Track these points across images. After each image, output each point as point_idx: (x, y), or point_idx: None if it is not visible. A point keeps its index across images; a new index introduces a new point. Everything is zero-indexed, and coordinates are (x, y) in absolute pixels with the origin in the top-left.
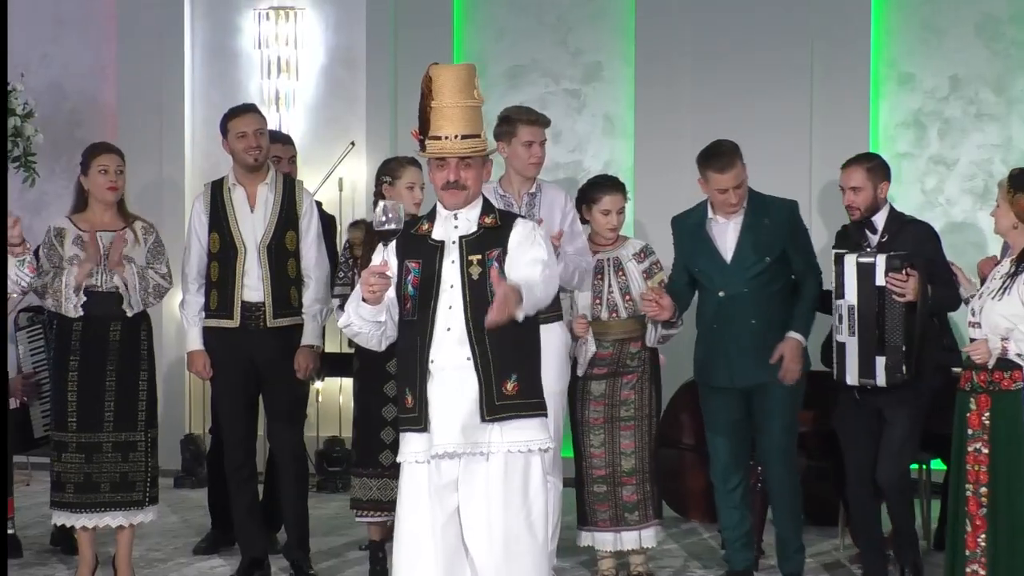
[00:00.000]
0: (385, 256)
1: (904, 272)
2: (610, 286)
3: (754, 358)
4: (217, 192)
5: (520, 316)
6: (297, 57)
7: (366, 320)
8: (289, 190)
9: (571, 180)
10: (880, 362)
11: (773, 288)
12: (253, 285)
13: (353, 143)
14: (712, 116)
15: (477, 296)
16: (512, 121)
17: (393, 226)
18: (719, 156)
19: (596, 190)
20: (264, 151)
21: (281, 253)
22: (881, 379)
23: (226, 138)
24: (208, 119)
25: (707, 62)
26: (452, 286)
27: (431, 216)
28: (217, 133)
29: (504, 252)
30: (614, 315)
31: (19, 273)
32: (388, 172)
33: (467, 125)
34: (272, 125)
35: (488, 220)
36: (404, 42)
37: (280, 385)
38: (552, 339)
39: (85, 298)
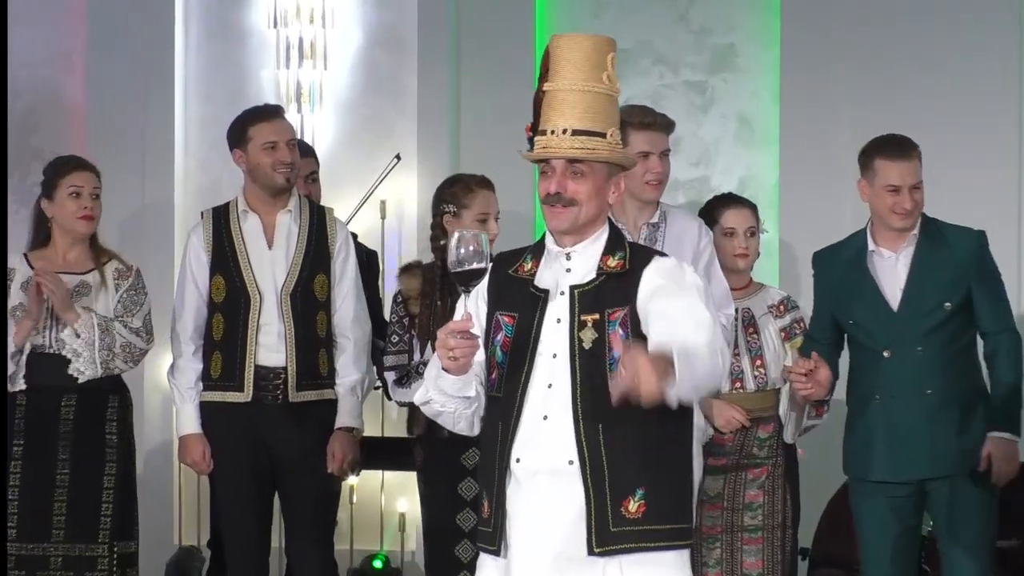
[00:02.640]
0: (467, 308)
1: None
2: (736, 347)
3: (929, 442)
4: (222, 221)
5: (673, 398)
6: (326, 38)
7: (450, 396)
8: (318, 219)
9: (694, 204)
10: None
11: (956, 346)
12: (271, 345)
13: (399, 156)
14: (882, 117)
15: (590, 373)
16: (622, 125)
17: (475, 264)
18: (894, 141)
19: (716, 207)
20: (296, 169)
21: (309, 303)
22: None
23: (243, 149)
24: (206, 121)
25: (876, 43)
26: (555, 356)
27: (537, 251)
28: (219, 140)
29: (633, 310)
30: (738, 386)
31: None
32: (450, 198)
33: (585, 116)
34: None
35: (613, 262)
36: (468, 18)
37: (305, 480)
38: None
39: (24, 369)
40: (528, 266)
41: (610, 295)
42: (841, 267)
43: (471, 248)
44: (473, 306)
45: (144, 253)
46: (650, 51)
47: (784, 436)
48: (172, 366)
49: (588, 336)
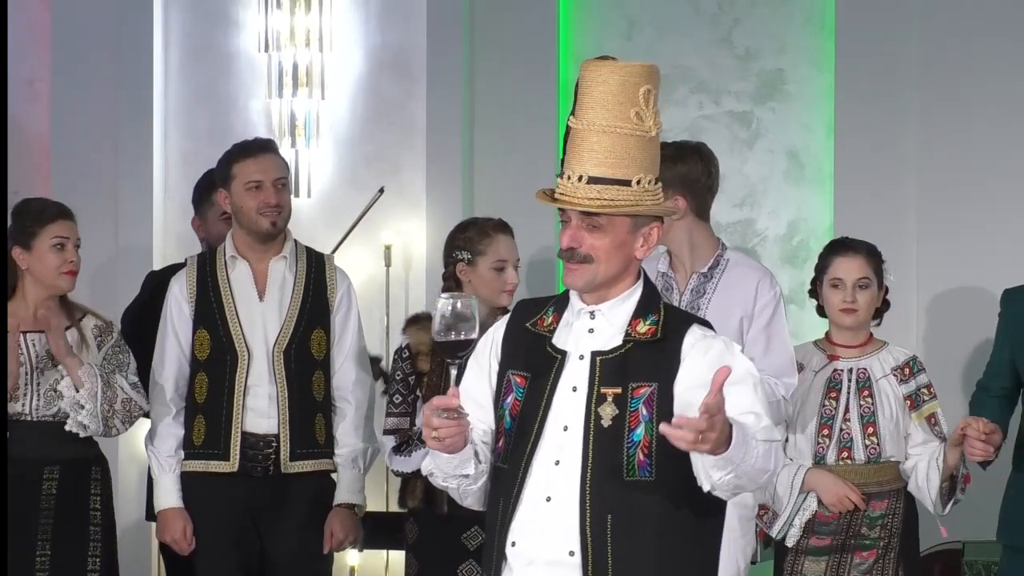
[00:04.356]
0: (454, 382)
1: None
2: (846, 411)
3: None
4: (207, 269)
5: (715, 474)
6: (323, 64)
7: (449, 474)
8: (317, 267)
9: (738, 250)
10: None
11: None
12: (261, 410)
13: (382, 190)
14: (954, 152)
15: (606, 453)
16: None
17: (462, 335)
18: None
19: (825, 254)
20: (287, 212)
21: (305, 363)
22: None
23: (227, 188)
24: (188, 156)
25: (947, 66)
26: (566, 428)
27: (561, 304)
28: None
29: (664, 389)
30: (846, 456)
31: None
32: (464, 244)
33: (604, 162)
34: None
35: (643, 327)
36: (483, 41)
37: (297, 562)
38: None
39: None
40: (548, 320)
41: (637, 367)
42: None
43: (459, 308)
44: (486, 363)
45: (118, 308)
46: (689, 77)
47: (934, 510)
48: (150, 432)
49: (607, 412)
